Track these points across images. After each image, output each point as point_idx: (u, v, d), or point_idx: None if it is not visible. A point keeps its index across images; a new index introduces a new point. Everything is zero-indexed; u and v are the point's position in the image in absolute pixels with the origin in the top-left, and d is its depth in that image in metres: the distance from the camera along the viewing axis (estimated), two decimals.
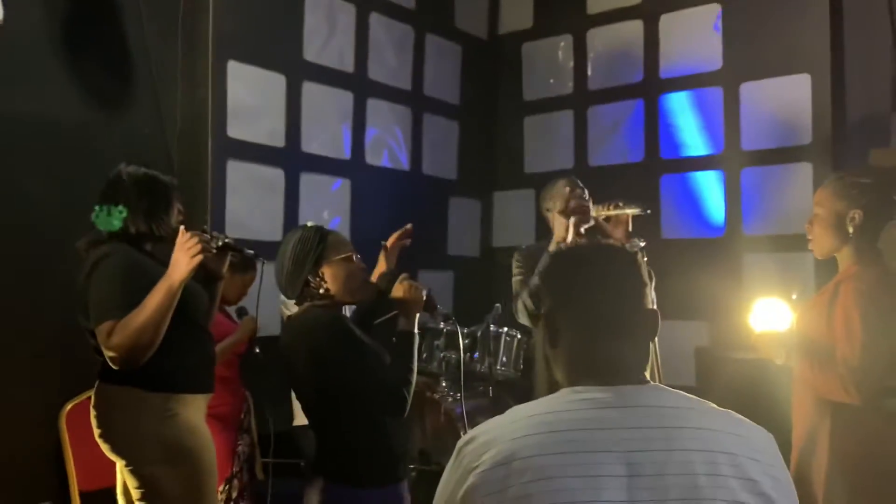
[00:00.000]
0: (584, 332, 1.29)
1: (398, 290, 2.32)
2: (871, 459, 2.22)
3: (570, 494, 1.12)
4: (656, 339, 1.35)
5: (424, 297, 2.32)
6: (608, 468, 1.13)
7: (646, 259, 2.81)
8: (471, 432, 1.26)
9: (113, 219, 2.38)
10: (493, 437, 1.21)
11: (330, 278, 2.25)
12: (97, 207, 2.41)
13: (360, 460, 2.20)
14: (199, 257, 2.28)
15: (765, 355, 2.46)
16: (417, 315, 2.32)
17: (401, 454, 2.31)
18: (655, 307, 1.35)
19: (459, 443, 1.25)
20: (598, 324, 1.28)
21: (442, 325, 4.38)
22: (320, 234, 2.29)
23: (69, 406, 3.39)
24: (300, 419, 3.66)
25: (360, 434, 2.20)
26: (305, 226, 2.34)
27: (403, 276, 2.36)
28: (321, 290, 2.25)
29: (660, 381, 1.47)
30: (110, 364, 2.28)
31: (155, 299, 2.23)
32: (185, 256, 2.27)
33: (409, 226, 2.60)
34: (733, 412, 1.26)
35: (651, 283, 1.38)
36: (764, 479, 1.16)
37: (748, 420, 1.26)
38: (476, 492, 1.16)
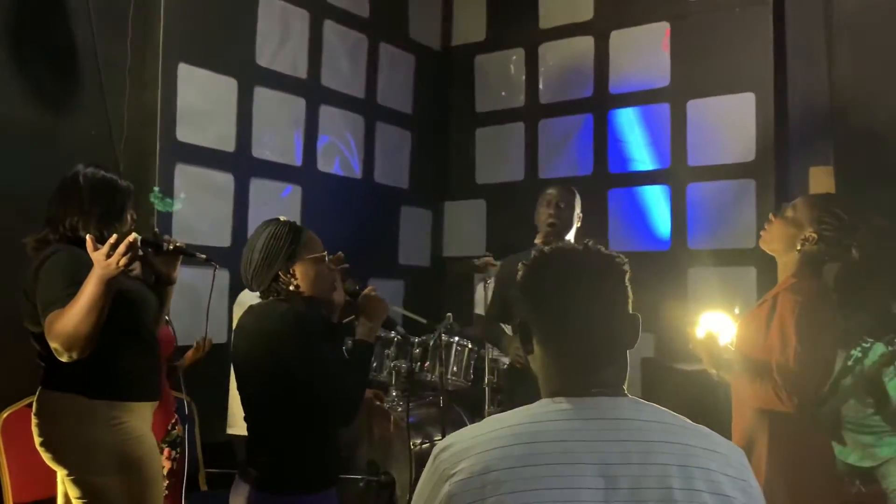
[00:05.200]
0: (561, 343, 1.28)
1: (364, 299, 2.32)
2: (808, 466, 2.29)
3: None
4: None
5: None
6: (586, 480, 1.14)
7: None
8: (447, 439, 1.25)
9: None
10: (469, 445, 1.20)
11: (301, 276, 2.20)
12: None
13: (286, 466, 2.14)
14: (124, 261, 2.18)
15: (704, 362, 2.49)
16: (378, 328, 2.34)
17: (331, 460, 2.26)
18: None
19: (435, 449, 1.24)
20: (575, 335, 1.27)
21: (392, 334, 4.37)
22: (296, 230, 2.25)
23: (5, 414, 3.28)
24: (237, 429, 3.59)
25: (293, 439, 2.14)
26: (279, 220, 2.28)
27: (371, 287, 2.37)
28: (290, 287, 2.20)
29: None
30: (56, 356, 2.22)
31: (87, 290, 2.16)
32: (105, 259, 2.16)
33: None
34: (706, 428, 1.27)
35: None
36: (737, 495, 1.18)
37: (722, 437, 1.28)
38: (453, 501, 1.15)
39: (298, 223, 2.31)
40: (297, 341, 2.10)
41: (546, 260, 1.34)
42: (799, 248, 2.37)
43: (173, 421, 3.53)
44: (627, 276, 1.31)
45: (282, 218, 2.30)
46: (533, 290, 1.33)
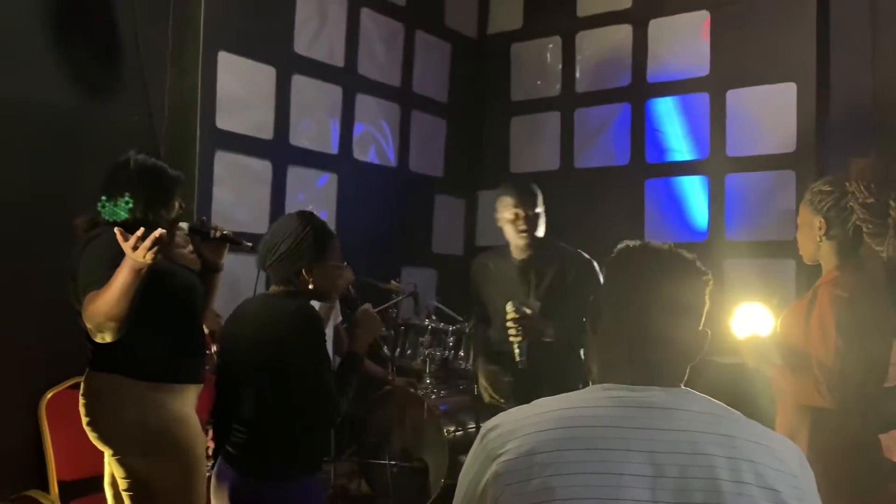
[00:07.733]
0: (627, 334, 1.30)
1: (363, 314, 2.44)
2: (850, 463, 2.25)
3: (592, 490, 1.13)
4: None
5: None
6: (633, 467, 1.14)
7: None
8: (495, 419, 1.27)
9: (119, 210, 2.37)
10: (517, 426, 1.22)
11: (317, 277, 2.29)
12: (103, 198, 2.41)
13: (273, 453, 2.20)
14: (150, 255, 2.19)
15: (747, 360, 2.48)
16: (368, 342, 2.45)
17: (318, 448, 2.34)
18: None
19: (484, 427, 1.27)
20: (641, 333, 1.28)
21: (427, 321, 4.39)
22: (325, 235, 2.32)
23: (49, 394, 3.35)
24: None
25: (282, 428, 2.20)
26: (313, 217, 2.34)
27: (367, 305, 2.50)
28: (309, 286, 2.29)
29: None
30: (91, 336, 2.26)
31: (120, 277, 2.18)
32: (133, 251, 2.16)
33: None
34: (757, 422, 1.27)
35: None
36: (787, 490, 1.17)
37: (775, 432, 1.28)
38: (499, 480, 1.17)
39: (334, 212, 2.37)
40: (305, 339, 2.19)
41: (631, 254, 1.36)
42: (819, 239, 2.36)
43: None
44: (708, 290, 1.32)
45: (315, 213, 2.36)
46: (611, 277, 1.35)
